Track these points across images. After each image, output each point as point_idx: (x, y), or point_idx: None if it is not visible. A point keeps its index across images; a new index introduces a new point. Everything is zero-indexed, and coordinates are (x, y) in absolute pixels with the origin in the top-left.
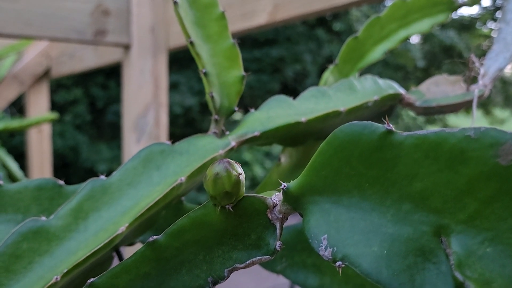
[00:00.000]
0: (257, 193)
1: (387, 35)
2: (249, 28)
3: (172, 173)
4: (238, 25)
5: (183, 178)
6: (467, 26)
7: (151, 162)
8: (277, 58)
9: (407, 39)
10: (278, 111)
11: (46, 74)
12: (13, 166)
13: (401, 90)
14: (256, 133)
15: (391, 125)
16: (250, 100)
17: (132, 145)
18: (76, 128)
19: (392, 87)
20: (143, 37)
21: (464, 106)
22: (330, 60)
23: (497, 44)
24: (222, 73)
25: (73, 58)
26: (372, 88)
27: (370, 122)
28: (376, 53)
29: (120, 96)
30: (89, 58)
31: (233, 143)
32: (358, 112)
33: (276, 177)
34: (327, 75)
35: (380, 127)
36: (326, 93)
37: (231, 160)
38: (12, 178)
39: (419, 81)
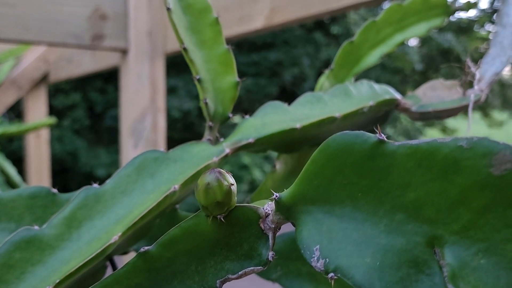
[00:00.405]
0: (251, 200)
1: (383, 39)
2: (246, 32)
3: (166, 181)
4: (235, 29)
5: (177, 186)
6: (465, 28)
7: (145, 170)
8: (275, 61)
9: (403, 43)
10: (273, 117)
11: (44, 79)
12: (12, 171)
13: (397, 95)
14: (251, 140)
15: (383, 135)
16: (248, 104)
17: (129, 150)
18: (75, 132)
19: (388, 92)
20: (140, 41)
21: (461, 111)
22: (328, 63)
23: (493, 48)
24: (217, 79)
25: (71, 62)
26: (368, 93)
27: (362, 131)
28: (372, 57)
29: (118, 101)
30: (87, 63)
31: (227, 150)
32: (353, 118)
33: (271, 184)
34: (323, 80)
35: (372, 136)
36: (322, 99)
37: (222, 170)
38: (10, 183)
39: (417, 84)
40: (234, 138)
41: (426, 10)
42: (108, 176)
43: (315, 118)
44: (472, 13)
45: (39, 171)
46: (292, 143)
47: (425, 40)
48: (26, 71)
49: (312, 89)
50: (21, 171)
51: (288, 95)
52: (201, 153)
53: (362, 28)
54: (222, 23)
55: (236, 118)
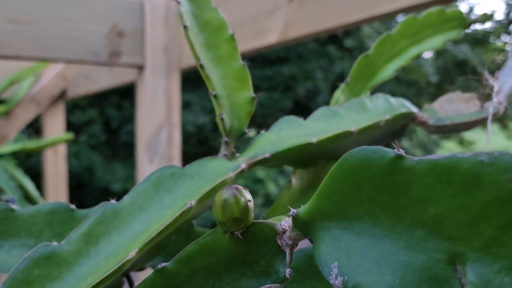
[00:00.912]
0: (267, 216)
1: (399, 52)
2: (261, 47)
3: (183, 197)
4: (249, 44)
5: (193, 202)
6: (480, 40)
7: (162, 185)
8: (288, 75)
9: (419, 56)
10: (288, 132)
11: (62, 95)
12: (30, 186)
13: (414, 109)
14: (267, 155)
15: (401, 150)
16: (262, 119)
17: (145, 165)
18: (91, 148)
19: (404, 105)
20: (156, 57)
21: (479, 124)
22: (341, 76)
23: (511, 60)
24: (232, 95)
25: (88, 79)
26: (384, 107)
27: (380, 146)
28: (388, 71)
29: (134, 116)
30: (104, 79)
31: (243, 166)
32: (370, 132)
33: (287, 199)
34: (338, 94)
35: (390, 151)
36: (337, 113)
37: (239, 186)
38: (28, 198)
39: (432, 96)
40: (250, 153)
41: (442, 23)
42: (124, 191)
43: (331, 133)
44: (487, 24)
45: (57, 186)
46: (308, 157)
47: (440, 52)
48: (45, 88)
49: (326, 102)
50: (39, 186)
51: (302, 109)
52: (218, 168)
53: (378, 41)
54: (237, 39)
55: (250, 134)
